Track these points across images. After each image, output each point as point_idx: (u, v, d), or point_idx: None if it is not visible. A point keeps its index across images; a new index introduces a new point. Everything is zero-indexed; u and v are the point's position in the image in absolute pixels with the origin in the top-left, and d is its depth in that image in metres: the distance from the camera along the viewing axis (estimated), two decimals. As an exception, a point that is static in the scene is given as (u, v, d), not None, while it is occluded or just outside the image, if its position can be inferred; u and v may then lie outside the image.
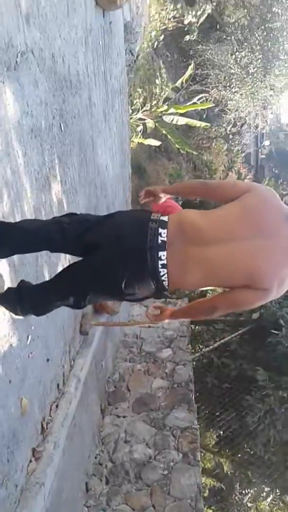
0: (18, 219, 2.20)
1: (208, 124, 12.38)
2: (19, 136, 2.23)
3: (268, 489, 7.74)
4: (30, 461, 2.48)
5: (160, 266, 1.74)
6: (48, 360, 2.78)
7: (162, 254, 1.74)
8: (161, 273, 1.75)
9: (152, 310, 2.24)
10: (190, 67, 11.74)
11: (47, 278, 2.67)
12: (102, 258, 1.82)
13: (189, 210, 1.97)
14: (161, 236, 1.76)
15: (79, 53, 3.37)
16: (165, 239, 1.76)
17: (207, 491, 7.96)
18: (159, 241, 1.75)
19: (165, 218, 1.83)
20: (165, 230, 1.78)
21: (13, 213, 2.15)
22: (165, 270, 1.75)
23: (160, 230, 1.77)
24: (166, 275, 1.76)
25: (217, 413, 6.31)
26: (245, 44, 15.24)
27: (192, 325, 7.49)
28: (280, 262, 1.73)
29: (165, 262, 1.74)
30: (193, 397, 5.05)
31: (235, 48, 15.98)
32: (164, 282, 1.78)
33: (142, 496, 3.97)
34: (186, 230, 1.79)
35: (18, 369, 2.28)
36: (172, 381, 5.21)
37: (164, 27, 11.93)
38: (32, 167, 2.43)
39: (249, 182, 2.04)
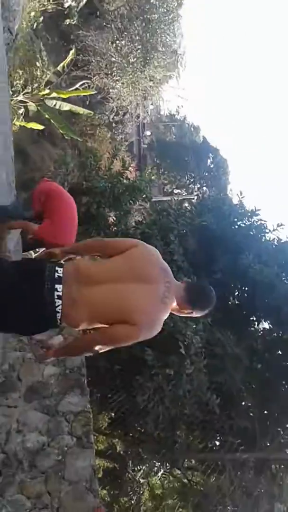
0: None
1: (91, 112, 12.39)
2: None
3: (159, 463, 8.13)
4: None
5: (56, 297, 2.01)
6: None
7: (58, 286, 2.02)
8: (56, 304, 2.01)
9: (35, 348, 2.50)
10: (72, 51, 11.63)
11: None
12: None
13: (83, 259, 2.36)
14: (58, 273, 2.06)
15: None
16: (61, 275, 2.06)
17: (101, 472, 8.14)
18: (56, 276, 2.05)
19: (61, 262, 2.19)
20: (61, 269, 2.08)
21: None
22: (60, 302, 2.01)
23: (57, 268, 2.08)
24: (60, 307, 2.01)
25: (109, 395, 6.46)
26: (125, 33, 15.46)
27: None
28: (153, 305, 2.11)
29: (60, 294, 2.01)
30: (86, 382, 5.09)
31: (115, 37, 16.13)
32: (57, 314, 2.02)
33: (37, 484, 3.95)
34: (79, 272, 2.12)
35: None
36: (64, 367, 5.19)
37: (44, 8, 11.58)
38: None
39: (137, 240, 2.35)
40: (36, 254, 10.76)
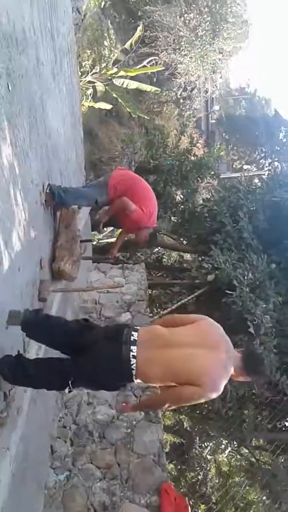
0: None
1: (159, 89, 12.24)
2: None
3: (226, 441, 8.13)
4: (-5, 426, 2.48)
5: (131, 356, 2.40)
6: (7, 328, 2.75)
7: (133, 348, 2.42)
8: (131, 362, 2.39)
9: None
10: (139, 28, 11.47)
11: (1, 244, 2.61)
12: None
13: (158, 326, 2.67)
14: (133, 336, 2.47)
15: (24, 9, 3.20)
16: (136, 338, 2.47)
17: (168, 447, 8.31)
18: (132, 339, 2.46)
19: (137, 327, 2.58)
20: (136, 333, 2.49)
21: None
22: (134, 361, 2.39)
23: (133, 332, 2.50)
24: (135, 365, 2.39)
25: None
26: (193, 6, 15.01)
27: (149, 289, 7.61)
28: (217, 371, 2.42)
29: (135, 354, 2.40)
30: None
31: (183, 10, 15.71)
32: (133, 371, 2.40)
33: (106, 455, 4.09)
34: (153, 336, 2.51)
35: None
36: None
37: (111, -15, 11.49)
38: (-20, 129, 2.33)
39: (202, 315, 2.71)
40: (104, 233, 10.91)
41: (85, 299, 6.14)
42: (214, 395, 2.41)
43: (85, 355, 2.51)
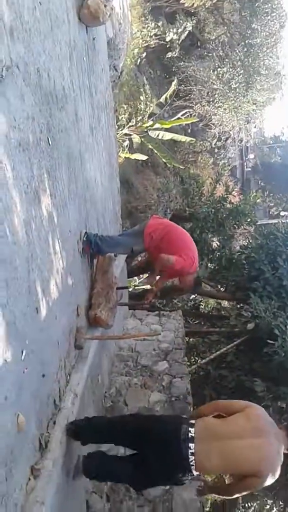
0: (8, 234, 2.19)
1: (193, 139, 12.55)
2: (7, 149, 2.22)
3: (271, 501, 7.66)
4: (29, 479, 2.42)
5: (189, 453, 2.57)
6: (43, 375, 2.73)
7: (191, 445, 2.58)
8: (190, 459, 2.58)
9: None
10: (174, 83, 11.92)
11: (39, 292, 2.65)
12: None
13: (211, 418, 2.79)
14: (190, 433, 2.63)
15: (64, 68, 3.40)
16: (193, 434, 2.62)
17: (209, 506, 7.86)
18: (189, 436, 2.61)
19: (192, 421, 2.73)
20: (193, 429, 2.64)
21: (4, 227, 2.14)
22: (193, 457, 2.57)
23: (190, 428, 2.64)
24: (193, 461, 2.58)
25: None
26: (226, 60, 15.56)
27: (187, 337, 7.48)
28: (273, 457, 2.56)
29: (193, 451, 2.57)
30: (192, 410, 4.99)
31: (216, 64, 16.32)
32: (192, 467, 2.59)
33: (144, 513, 3.90)
34: (208, 429, 2.65)
35: (13, 385, 2.23)
36: (170, 395, 5.15)
37: (146, 44, 12.13)
38: (21, 181, 2.42)
39: (247, 402, 2.84)
40: (140, 280, 10.93)
41: (121, 346, 6.08)
42: (272, 481, 2.57)
43: (144, 462, 2.79)
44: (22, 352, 2.35)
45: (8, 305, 2.16)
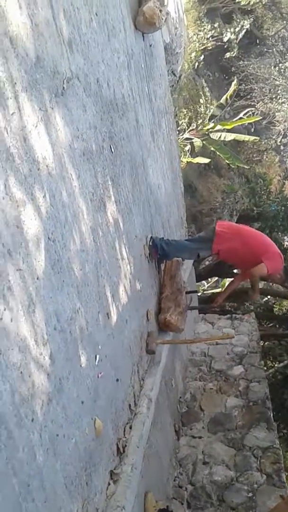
0: (77, 240, 2.23)
1: (257, 138, 12.25)
2: (72, 159, 2.28)
3: None
4: (109, 483, 2.43)
5: None
6: (117, 380, 2.75)
7: None
8: None
9: None
10: (234, 83, 11.73)
11: (109, 298, 2.68)
12: None
13: None
14: None
15: (123, 76, 3.45)
16: None
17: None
18: None
19: None
20: None
21: (72, 234, 2.19)
22: None
23: None
24: None
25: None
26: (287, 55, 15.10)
27: (262, 340, 7.25)
28: None
29: None
30: (272, 415, 4.82)
31: (277, 60, 15.90)
32: None
33: (226, 521, 3.79)
34: None
35: (89, 390, 2.26)
36: (247, 399, 5.01)
37: (203, 47, 12.05)
38: (86, 189, 2.47)
39: None
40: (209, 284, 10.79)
41: (193, 351, 6.02)
42: None
43: None
44: (95, 357, 2.39)
45: (80, 311, 2.20)
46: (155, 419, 3.32)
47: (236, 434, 4.53)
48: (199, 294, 9.48)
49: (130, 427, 2.90)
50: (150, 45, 4.49)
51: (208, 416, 4.79)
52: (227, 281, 9.26)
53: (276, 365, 7.42)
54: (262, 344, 7.36)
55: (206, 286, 12.02)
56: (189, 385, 5.26)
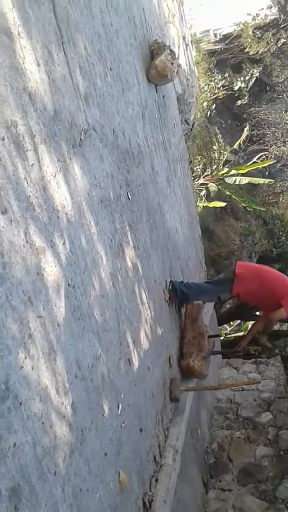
0: (96, 286, 2.24)
1: (272, 180, 12.38)
2: (90, 207, 2.32)
3: None
4: None
5: None
6: (141, 430, 2.67)
7: None
8: None
9: None
10: (246, 129, 12.00)
11: (131, 343, 2.65)
12: None
13: None
14: None
15: (138, 127, 3.56)
16: None
17: None
18: None
19: None
20: None
21: (91, 280, 2.19)
22: None
23: None
24: None
25: None
26: (298, 99, 15.50)
27: (289, 385, 7.00)
28: None
29: None
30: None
31: (288, 105, 16.27)
32: None
33: None
34: None
35: (112, 441, 2.19)
36: (278, 448, 4.77)
37: (215, 96, 12.45)
38: (105, 235, 2.50)
39: None
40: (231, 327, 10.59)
41: (219, 398, 5.83)
42: None
43: None
44: (118, 406, 2.33)
45: (101, 357, 2.17)
46: (182, 471, 3.17)
47: (268, 486, 4.29)
48: (221, 338, 9.30)
49: (156, 480, 2.78)
50: (163, 96, 4.66)
51: (237, 467, 4.56)
52: (250, 324, 9.09)
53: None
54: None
55: (229, 329, 11.81)
56: (216, 434, 5.06)
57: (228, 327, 11.91)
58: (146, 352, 2.93)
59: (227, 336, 10.33)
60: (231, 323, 11.63)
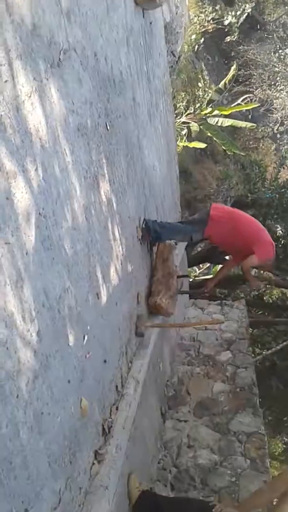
0: (68, 218, 2.18)
1: (254, 124, 12.15)
2: (66, 133, 2.21)
3: None
4: (93, 463, 2.43)
5: None
6: (105, 361, 2.73)
7: None
8: None
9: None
10: (233, 68, 11.60)
11: (100, 278, 2.65)
12: None
13: None
14: None
15: (121, 53, 3.36)
16: None
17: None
18: None
19: None
20: None
21: (63, 211, 2.13)
22: None
23: None
24: None
25: (284, 418, 6.05)
26: (288, 41, 14.96)
27: (251, 328, 7.28)
28: None
29: None
30: (258, 402, 4.84)
31: (277, 46, 15.74)
32: None
33: (209, 504, 3.82)
34: None
35: (76, 369, 2.24)
36: (234, 385, 5.03)
37: (204, 29, 11.86)
38: (80, 166, 2.41)
39: None
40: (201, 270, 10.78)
41: (182, 336, 6.02)
42: None
43: None
44: (84, 337, 2.36)
45: (70, 289, 2.16)
46: (142, 401, 3.31)
47: (222, 419, 4.55)
48: (190, 279, 9.48)
49: (117, 408, 2.89)
50: (150, 23, 4.38)
51: (195, 400, 4.81)
52: (219, 267, 9.27)
53: (264, 352, 7.47)
54: (251, 331, 7.40)
55: (198, 272, 12.03)
56: (177, 369, 5.27)
57: (197, 269, 12.13)
58: (115, 287, 2.94)
59: (196, 278, 10.54)
60: (201, 265, 11.84)
